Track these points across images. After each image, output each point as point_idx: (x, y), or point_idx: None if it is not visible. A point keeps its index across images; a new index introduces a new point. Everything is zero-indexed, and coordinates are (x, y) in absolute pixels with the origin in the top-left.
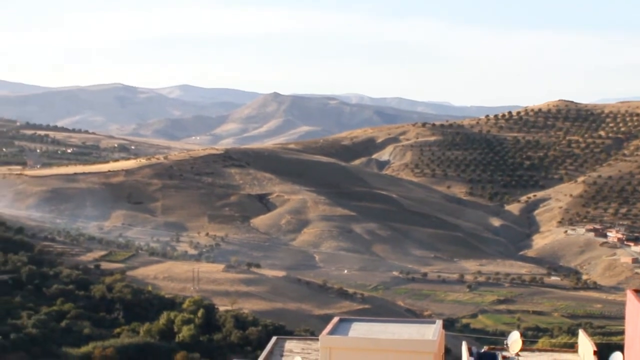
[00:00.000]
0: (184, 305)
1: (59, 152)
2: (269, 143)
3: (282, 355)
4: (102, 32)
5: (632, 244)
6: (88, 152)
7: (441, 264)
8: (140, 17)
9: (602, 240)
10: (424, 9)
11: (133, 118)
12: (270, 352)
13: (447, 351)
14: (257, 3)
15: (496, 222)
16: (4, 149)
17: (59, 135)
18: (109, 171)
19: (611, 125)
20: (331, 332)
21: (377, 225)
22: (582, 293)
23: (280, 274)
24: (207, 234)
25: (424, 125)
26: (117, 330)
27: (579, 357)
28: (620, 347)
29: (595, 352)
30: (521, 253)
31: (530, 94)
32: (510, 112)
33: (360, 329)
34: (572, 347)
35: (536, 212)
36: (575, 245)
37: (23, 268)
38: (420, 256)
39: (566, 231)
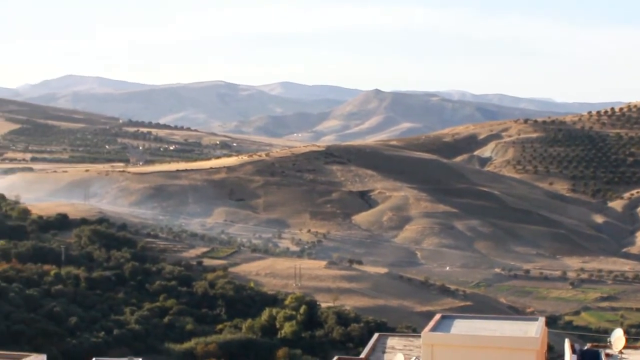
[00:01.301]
0: (286, 302)
1: (162, 149)
2: (370, 140)
3: (384, 352)
4: (205, 29)
5: None
6: (190, 149)
7: (543, 261)
8: (242, 14)
9: None
10: (525, 5)
11: (235, 115)
12: (373, 349)
13: (550, 348)
14: (358, 0)
15: (599, 219)
16: (107, 146)
17: (162, 133)
18: (211, 168)
19: None
20: (433, 329)
21: (479, 222)
22: None
23: (382, 270)
24: (308, 231)
25: (526, 121)
26: (220, 326)
27: None
28: None
29: None
30: (624, 250)
31: (633, 89)
32: (612, 109)
33: (462, 326)
34: None
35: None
36: None
37: (126, 264)
38: (523, 253)
39: None
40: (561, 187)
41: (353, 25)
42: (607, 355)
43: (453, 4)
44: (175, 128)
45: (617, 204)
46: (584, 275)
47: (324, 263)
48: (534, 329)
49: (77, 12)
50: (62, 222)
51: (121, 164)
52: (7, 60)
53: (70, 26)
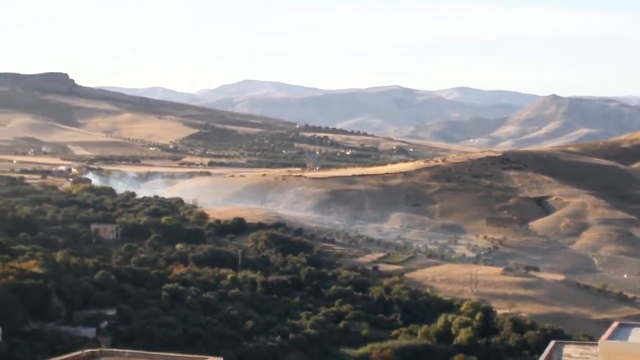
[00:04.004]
0: (462, 308)
1: (338, 154)
2: (547, 145)
3: None
4: (382, 34)
5: None
6: (366, 154)
7: None
8: (419, 20)
9: None
10: None
11: (411, 120)
12: (549, 356)
13: None
14: (537, 4)
15: None
16: (284, 151)
17: (338, 138)
18: (387, 173)
19: None
20: (611, 337)
21: None
22: None
23: (559, 277)
24: (485, 237)
25: None
26: (395, 331)
27: None
28: None
29: None
30: None
31: None
32: None
33: None
34: None
35: None
36: None
37: (302, 269)
38: None
39: None
40: None
41: (531, 30)
42: None
43: (634, 8)
44: (352, 133)
45: None
46: None
47: (500, 269)
48: None
49: (255, 18)
50: (239, 226)
51: (298, 169)
52: (186, 66)
53: (246, 32)
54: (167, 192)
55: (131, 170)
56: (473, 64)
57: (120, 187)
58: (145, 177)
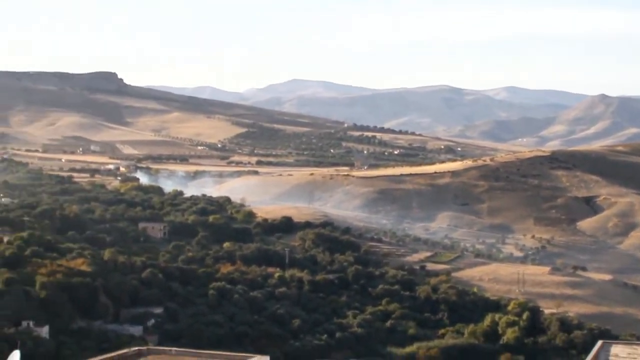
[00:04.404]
0: (509, 308)
1: (386, 153)
2: (596, 145)
3: None
4: (429, 33)
5: None
6: (414, 154)
7: None
8: (467, 19)
9: None
10: None
11: (459, 120)
12: (596, 356)
13: None
14: (585, 4)
15: None
16: (332, 150)
17: (386, 137)
18: (435, 172)
19: None
20: None
21: None
22: None
23: (607, 277)
24: (532, 236)
25: None
26: (442, 331)
27: None
28: None
29: None
30: None
31: None
32: None
33: None
34: None
35: None
36: None
37: (349, 268)
38: None
39: None
40: None
41: (580, 29)
42: None
43: None
44: (400, 132)
45: None
46: None
47: (547, 269)
48: None
49: (304, 17)
50: (286, 225)
51: (345, 168)
52: (235, 65)
53: (295, 32)
54: (215, 191)
55: (179, 169)
56: (521, 64)
57: (168, 186)
58: (193, 176)
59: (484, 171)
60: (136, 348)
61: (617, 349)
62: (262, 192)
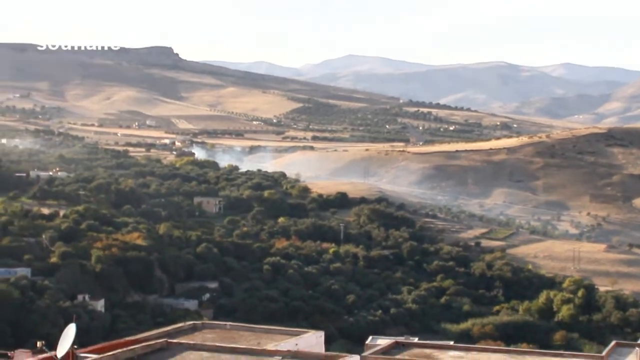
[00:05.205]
0: (564, 285)
1: (441, 129)
2: None
3: None
4: (487, 8)
5: None
6: (470, 130)
7: None
8: None
9: None
10: None
11: (515, 96)
12: None
13: None
14: None
15: None
16: (387, 126)
17: (441, 113)
18: (491, 149)
19: None
20: None
21: None
22: None
23: None
24: (588, 214)
25: None
26: (496, 307)
27: None
28: None
29: None
30: None
31: None
32: None
33: None
34: None
35: None
36: None
37: (404, 244)
38: None
39: None
40: None
41: (636, 7)
42: None
43: None
44: (455, 109)
45: None
46: None
47: (603, 246)
48: None
49: None
50: (341, 201)
51: (401, 144)
52: (291, 40)
53: (350, 7)
54: (270, 166)
55: (234, 144)
56: (578, 40)
57: (224, 161)
58: (248, 151)
59: (540, 148)
60: (191, 322)
61: None
62: (317, 167)
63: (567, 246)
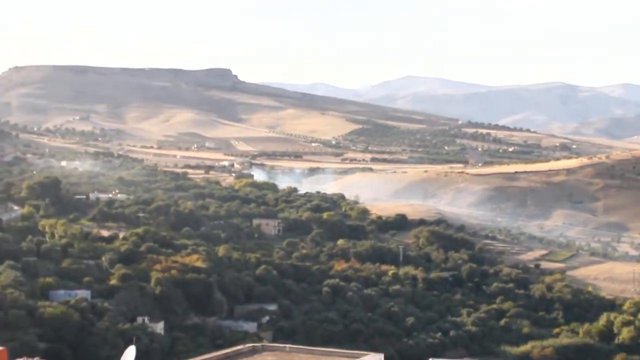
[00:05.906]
0: (624, 307)
1: (500, 150)
2: None
3: None
4: (545, 28)
5: None
6: (529, 151)
7: None
8: (581, 11)
9: None
10: None
11: (574, 117)
12: None
13: None
14: None
15: None
16: (446, 147)
17: (500, 134)
18: (550, 170)
19: None
20: None
21: None
22: None
23: None
24: None
25: None
26: (556, 330)
27: None
28: None
29: None
30: None
31: None
32: None
33: None
34: None
35: None
36: None
37: (464, 266)
38: None
39: None
40: None
41: None
42: None
43: None
44: (514, 130)
45: None
46: None
47: None
48: None
49: (418, 14)
50: (400, 223)
51: (460, 165)
52: (349, 62)
53: (409, 28)
54: (329, 187)
55: (293, 165)
56: (637, 59)
57: (282, 183)
58: (307, 173)
59: (599, 169)
60: (251, 344)
61: None
62: (376, 189)
63: (627, 268)
